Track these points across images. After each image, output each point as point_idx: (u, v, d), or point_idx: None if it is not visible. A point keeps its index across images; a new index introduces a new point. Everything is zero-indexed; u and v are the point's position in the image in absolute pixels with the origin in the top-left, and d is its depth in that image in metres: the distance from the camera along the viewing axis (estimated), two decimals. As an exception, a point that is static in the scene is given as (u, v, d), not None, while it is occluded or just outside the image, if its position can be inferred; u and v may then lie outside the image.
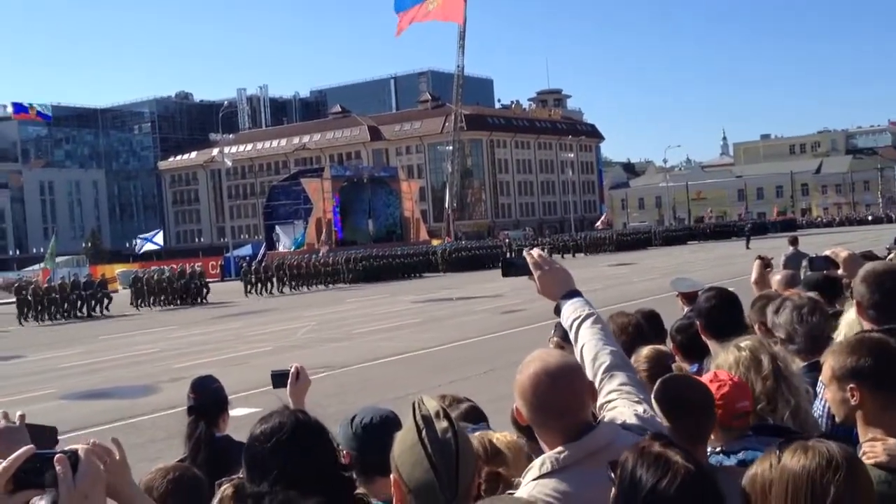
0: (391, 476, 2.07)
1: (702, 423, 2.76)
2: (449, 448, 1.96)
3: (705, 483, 1.96)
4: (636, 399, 2.66)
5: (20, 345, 27.91)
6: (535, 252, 3.09)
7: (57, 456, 1.81)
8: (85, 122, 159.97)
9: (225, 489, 2.84)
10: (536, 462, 2.40)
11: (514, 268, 3.14)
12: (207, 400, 4.59)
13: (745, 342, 3.30)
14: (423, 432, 1.99)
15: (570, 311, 2.91)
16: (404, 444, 2.02)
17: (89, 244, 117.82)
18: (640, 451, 1.99)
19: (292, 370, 3.86)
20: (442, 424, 2.00)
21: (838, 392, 2.80)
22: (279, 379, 3.89)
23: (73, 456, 1.82)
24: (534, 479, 2.33)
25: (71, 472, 1.82)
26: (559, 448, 2.35)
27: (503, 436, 3.15)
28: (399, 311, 30.25)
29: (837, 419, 2.90)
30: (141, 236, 66.22)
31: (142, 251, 63.64)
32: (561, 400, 2.37)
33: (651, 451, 1.97)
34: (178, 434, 4.65)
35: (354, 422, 3.05)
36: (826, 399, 3.26)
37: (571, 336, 2.85)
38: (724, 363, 3.22)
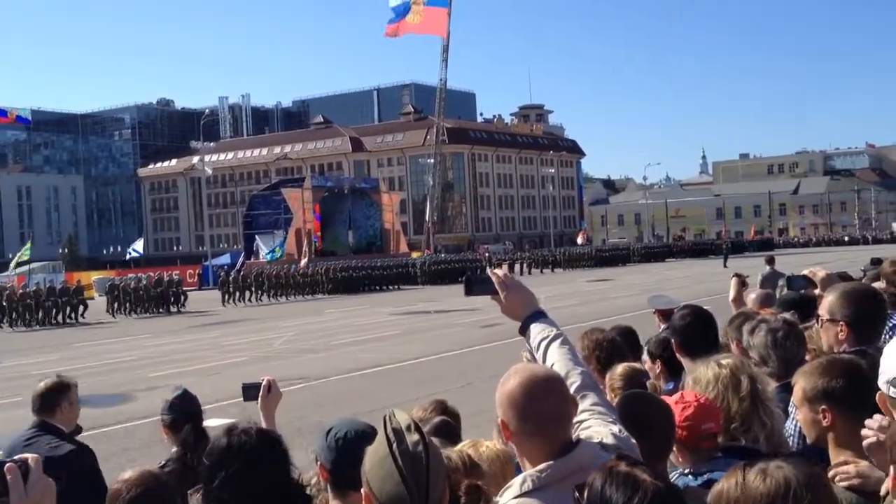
0: (362, 490, 2.06)
1: (660, 441, 2.76)
2: (419, 461, 1.95)
3: (673, 501, 1.97)
4: (610, 419, 2.66)
5: (-7, 350, 27.62)
6: (501, 272, 3.06)
7: (7, 465, 1.83)
8: (65, 127, 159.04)
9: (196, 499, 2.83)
10: (517, 479, 2.37)
11: (478, 286, 3.08)
12: (188, 411, 4.65)
13: (725, 360, 3.30)
14: (394, 445, 1.97)
15: (538, 330, 2.89)
16: (375, 457, 2.01)
17: (66, 250, 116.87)
18: (608, 470, 2.00)
19: (264, 383, 3.85)
20: (413, 437, 1.99)
21: (809, 413, 2.81)
22: (250, 391, 3.88)
23: (23, 465, 1.84)
24: (514, 498, 2.30)
25: (22, 482, 1.84)
26: (542, 466, 2.33)
27: (492, 444, 3.14)
28: (378, 323, 30.20)
29: (809, 440, 2.92)
30: (131, 248, 66.39)
31: (128, 258, 63.66)
32: (550, 410, 2.36)
33: (619, 471, 1.98)
34: (153, 443, 4.66)
35: (329, 435, 3.04)
36: (797, 419, 3.29)
37: (539, 356, 2.84)
38: (702, 377, 3.22)
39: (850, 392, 2.69)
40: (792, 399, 3.26)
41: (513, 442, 2.45)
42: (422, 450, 1.96)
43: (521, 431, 2.39)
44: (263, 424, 3.83)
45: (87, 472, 4.79)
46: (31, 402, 5.07)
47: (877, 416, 2.53)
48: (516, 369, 2.49)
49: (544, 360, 2.83)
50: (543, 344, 2.85)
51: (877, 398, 2.52)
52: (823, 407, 2.74)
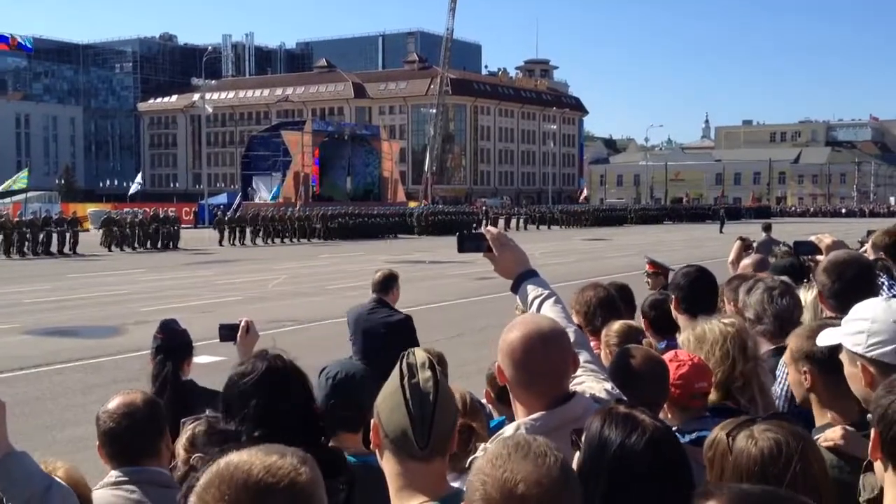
0: (372, 421, 2.09)
1: (653, 396, 2.79)
2: (427, 397, 1.98)
3: (672, 440, 1.99)
4: (602, 377, 2.72)
5: (-13, 277, 27.63)
6: (494, 229, 3.09)
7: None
8: (66, 56, 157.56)
9: (196, 426, 2.83)
10: (510, 426, 2.39)
11: (470, 242, 3.10)
12: (174, 342, 4.59)
13: (718, 320, 3.31)
14: (405, 379, 2.01)
15: (531, 289, 2.94)
16: (387, 390, 2.05)
17: (62, 181, 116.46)
18: (606, 412, 2.00)
19: (242, 324, 3.86)
20: (425, 374, 2.02)
21: (795, 373, 2.88)
22: (228, 332, 3.89)
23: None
24: None
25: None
26: (535, 415, 2.35)
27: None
28: (373, 270, 30.06)
29: (797, 400, 2.97)
30: (136, 181, 66.00)
31: (133, 192, 63.45)
32: (549, 363, 2.38)
33: (618, 412, 1.99)
34: (142, 376, 4.64)
35: (322, 375, 3.05)
36: (785, 382, 3.33)
37: (533, 311, 2.87)
38: (709, 335, 3.21)
39: (831, 356, 2.71)
40: (781, 360, 3.28)
41: (508, 387, 2.47)
42: (431, 386, 2.00)
43: (517, 382, 2.41)
44: None
45: (413, 331, 7.36)
46: (372, 284, 7.60)
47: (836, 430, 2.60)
48: (522, 320, 2.50)
49: None
50: (537, 302, 2.89)
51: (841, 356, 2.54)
52: (805, 368, 2.80)
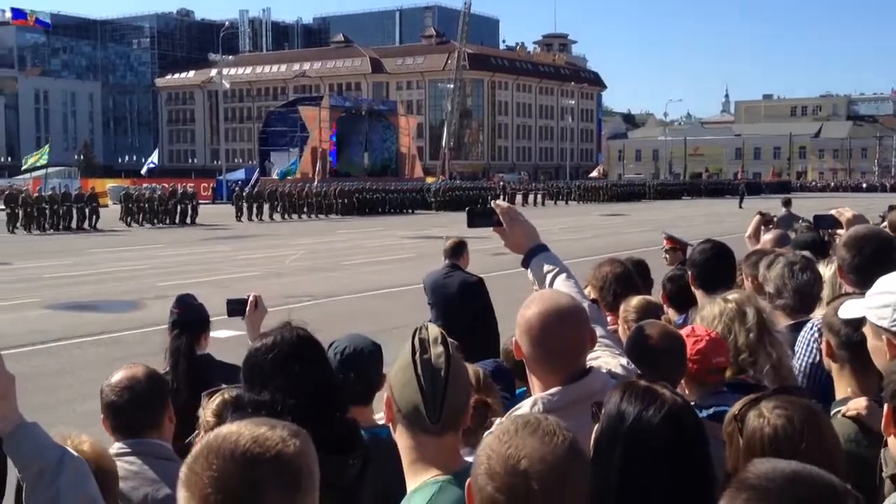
0: (385, 395, 2.09)
1: (670, 371, 2.78)
2: (439, 373, 1.98)
3: (691, 415, 1.97)
4: (618, 352, 2.73)
5: (7, 252, 27.84)
6: (504, 204, 3.08)
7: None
8: (84, 32, 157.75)
9: (217, 398, 2.83)
10: (527, 402, 2.39)
11: (480, 218, 3.08)
12: (191, 316, 4.59)
13: (732, 295, 3.32)
14: (417, 354, 2.02)
15: (544, 264, 2.94)
16: (399, 365, 2.06)
17: (81, 157, 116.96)
18: (626, 386, 1.99)
19: (250, 299, 3.86)
20: (437, 349, 2.02)
21: (825, 344, 2.89)
22: (236, 306, 3.89)
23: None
24: None
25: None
26: (553, 390, 2.35)
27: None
28: (390, 246, 30.27)
29: (826, 367, 2.98)
30: (150, 160, 66.02)
31: (145, 171, 63.53)
32: (567, 341, 2.38)
33: (638, 386, 1.98)
34: (160, 351, 4.65)
35: (331, 349, 3.05)
36: (804, 357, 3.32)
37: (546, 286, 2.87)
38: (708, 315, 3.24)
39: (849, 330, 2.72)
40: (800, 335, 3.28)
41: (525, 362, 2.47)
42: (443, 362, 2.00)
43: (534, 358, 2.41)
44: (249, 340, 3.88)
45: (486, 292, 7.88)
46: (444, 251, 8.12)
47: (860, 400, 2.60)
48: (541, 296, 2.50)
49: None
50: (549, 276, 2.89)
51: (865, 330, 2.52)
52: (827, 339, 2.81)
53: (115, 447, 2.94)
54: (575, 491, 1.58)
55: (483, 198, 59.54)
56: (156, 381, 3.08)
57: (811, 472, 1.32)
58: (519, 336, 2.43)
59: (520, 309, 2.47)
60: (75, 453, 2.05)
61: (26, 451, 1.96)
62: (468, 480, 1.66)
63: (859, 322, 2.60)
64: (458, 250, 8.01)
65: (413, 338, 2.08)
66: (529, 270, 2.99)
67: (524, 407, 2.38)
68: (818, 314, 3.51)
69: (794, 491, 1.28)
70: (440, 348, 2.02)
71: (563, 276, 2.88)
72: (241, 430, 1.43)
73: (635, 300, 4.00)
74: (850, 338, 2.71)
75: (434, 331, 2.07)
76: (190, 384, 4.15)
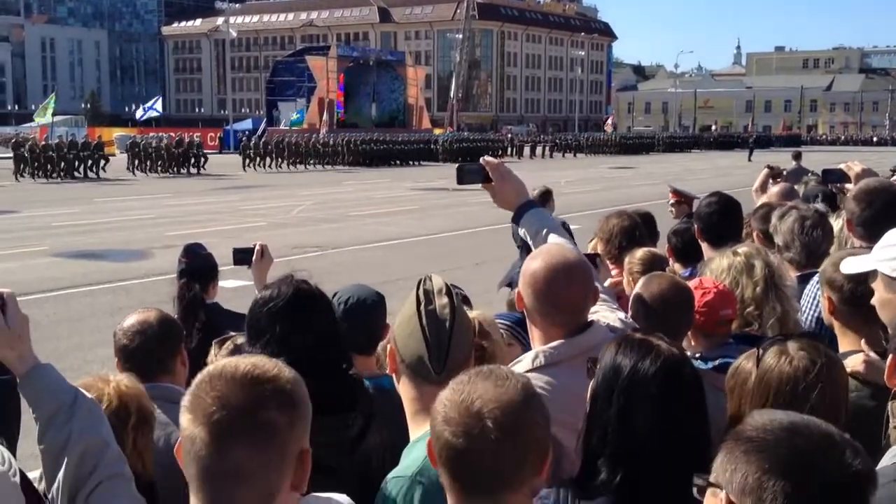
0: (388, 346, 2.10)
1: (677, 322, 2.79)
2: (443, 324, 1.99)
3: (687, 365, 1.98)
4: (615, 307, 2.75)
5: (15, 200, 27.89)
6: (493, 160, 3.04)
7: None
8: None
9: (229, 345, 2.85)
10: (529, 355, 2.40)
11: (470, 175, 3.02)
12: (199, 265, 4.61)
13: (741, 248, 3.31)
14: (422, 305, 2.02)
15: (537, 220, 2.93)
16: (403, 316, 2.07)
17: (88, 105, 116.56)
18: (622, 339, 2.01)
19: (256, 248, 3.87)
20: (442, 301, 2.03)
21: (824, 298, 2.89)
22: (242, 255, 3.89)
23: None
24: (526, 372, 2.30)
25: (1, 315, 1.90)
26: (554, 343, 2.36)
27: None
28: (396, 197, 30.23)
29: (826, 322, 2.97)
30: (144, 106, 65.15)
31: (143, 119, 62.92)
32: (571, 296, 2.38)
33: (633, 339, 1.99)
34: (168, 299, 4.68)
35: (336, 298, 3.06)
36: (809, 310, 3.33)
37: (539, 243, 2.86)
38: (716, 267, 3.24)
39: (849, 285, 2.72)
40: (807, 287, 3.28)
41: (526, 314, 2.48)
42: (448, 313, 2.01)
43: (537, 311, 2.42)
44: (256, 289, 3.89)
45: (571, 234, 7.95)
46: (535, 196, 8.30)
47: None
48: (547, 251, 2.50)
49: None
50: (543, 232, 2.88)
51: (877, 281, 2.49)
52: (828, 294, 2.80)
53: None
54: (532, 433, 1.60)
55: (491, 150, 59.32)
56: (168, 325, 3.10)
57: (808, 423, 1.33)
58: (523, 288, 2.43)
59: (525, 260, 2.47)
60: (88, 395, 2.06)
61: (41, 392, 1.98)
62: (427, 438, 1.67)
63: (861, 277, 2.60)
64: (546, 197, 8.61)
65: (417, 289, 2.07)
66: (521, 227, 2.97)
67: (525, 360, 2.40)
68: (825, 267, 3.50)
69: (792, 441, 1.28)
70: (445, 299, 2.02)
71: (556, 232, 2.88)
72: (239, 360, 1.51)
73: (640, 252, 4.00)
74: (854, 293, 2.70)
75: (438, 282, 2.07)
76: (201, 332, 4.17)
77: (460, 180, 3.05)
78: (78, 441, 1.93)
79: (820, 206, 4.40)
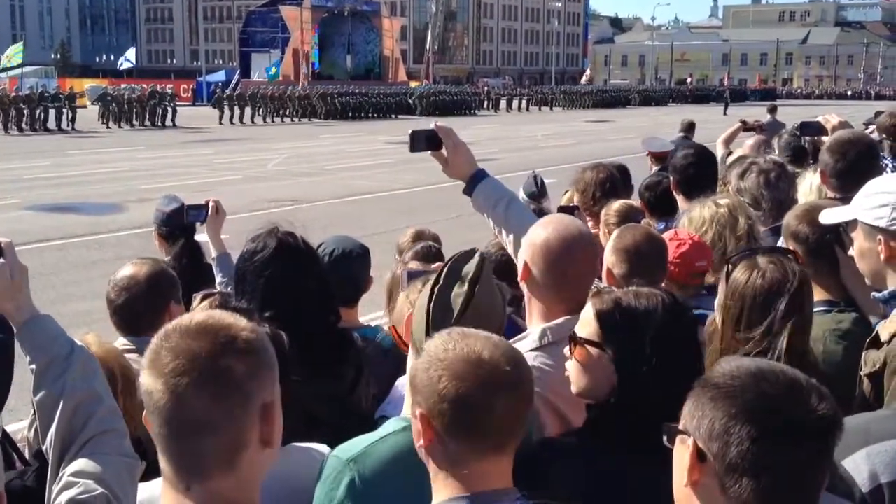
0: (407, 312, 2.08)
1: (652, 272, 2.81)
2: (450, 311, 1.91)
3: (683, 307, 2.02)
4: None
5: (-15, 153, 27.50)
6: (445, 126, 2.87)
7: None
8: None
9: (211, 301, 2.86)
10: (534, 332, 2.35)
11: (424, 142, 2.84)
12: (177, 223, 4.57)
13: (723, 200, 3.32)
14: (438, 286, 1.95)
15: (493, 190, 2.81)
16: (426, 290, 1.98)
17: (59, 56, 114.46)
18: (620, 294, 2.02)
19: (210, 204, 3.85)
20: (462, 289, 1.93)
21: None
22: (195, 212, 3.87)
23: None
24: (532, 350, 2.28)
25: (6, 268, 1.88)
26: (560, 320, 2.31)
27: None
28: (373, 151, 30.05)
29: None
30: (124, 57, 63.95)
31: (122, 68, 61.87)
32: (582, 270, 2.34)
33: (628, 291, 2.02)
34: (144, 252, 4.64)
35: (321, 250, 3.05)
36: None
37: (499, 214, 2.78)
38: (697, 217, 3.24)
39: (812, 234, 2.74)
40: (781, 240, 3.31)
41: (528, 286, 2.40)
42: (461, 302, 1.91)
43: (545, 282, 2.35)
44: (211, 246, 3.87)
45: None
46: (681, 125, 11.24)
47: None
48: (559, 220, 2.46)
49: (508, 219, 2.78)
50: (503, 201, 2.79)
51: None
52: (793, 246, 2.80)
53: (120, 342, 2.95)
54: (531, 385, 1.59)
55: (467, 102, 58.94)
56: (158, 279, 3.05)
57: (774, 369, 1.35)
58: (531, 257, 2.35)
59: (532, 229, 2.40)
60: (86, 346, 2.05)
61: (39, 343, 1.96)
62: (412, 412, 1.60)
63: (826, 229, 2.62)
64: (691, 127, 10.61)
65: (445, 265, 2.00)
66: (475, 198, 2.83)
67: (531, 337, 2.35)
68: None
69: (758, 387, 1.30)
70: (465, 288, 1.93)
71: (517, 202, 2.82)
72: (195, 314, 1.49)
73: (616, 204, 4.02)
74: (819, 244, 2.72)
75: (472, 265, 1.96)
76: (198, 283, 4.14)
77: (413, 148, 2.87)
78: (72, 394, 1.91)
79: (776, 157, 4.41)
